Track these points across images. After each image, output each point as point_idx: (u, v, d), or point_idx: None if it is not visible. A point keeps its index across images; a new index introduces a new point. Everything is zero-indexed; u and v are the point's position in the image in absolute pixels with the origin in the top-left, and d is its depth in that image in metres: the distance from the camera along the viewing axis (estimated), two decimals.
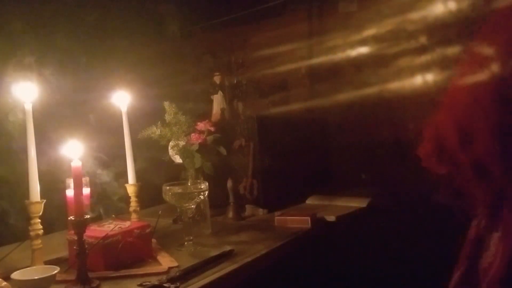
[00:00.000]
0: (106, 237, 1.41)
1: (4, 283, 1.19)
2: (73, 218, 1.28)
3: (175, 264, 1.44)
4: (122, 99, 1.75)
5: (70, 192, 1.50)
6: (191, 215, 1.67)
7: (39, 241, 1.37)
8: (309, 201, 2.29)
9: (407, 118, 2.46)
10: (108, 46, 2.46)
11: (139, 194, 1.73)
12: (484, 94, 1.09)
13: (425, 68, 2.31)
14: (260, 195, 2.15)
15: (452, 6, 2.17)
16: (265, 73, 2.68)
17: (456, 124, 1.14)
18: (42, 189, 1.37)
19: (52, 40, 2.21)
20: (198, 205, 1.75)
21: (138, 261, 1.47)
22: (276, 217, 1.93)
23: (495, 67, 1.10)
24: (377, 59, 2.45)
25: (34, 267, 1.33)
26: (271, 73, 2.71)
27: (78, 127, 1.77)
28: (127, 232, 1.48)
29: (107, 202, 1.95)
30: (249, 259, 1.50)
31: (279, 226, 1.89)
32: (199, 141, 1.85)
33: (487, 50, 1.15)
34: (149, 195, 1.89)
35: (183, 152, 1.85)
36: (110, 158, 1.90)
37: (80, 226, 1.27)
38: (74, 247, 1.27)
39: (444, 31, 2.23)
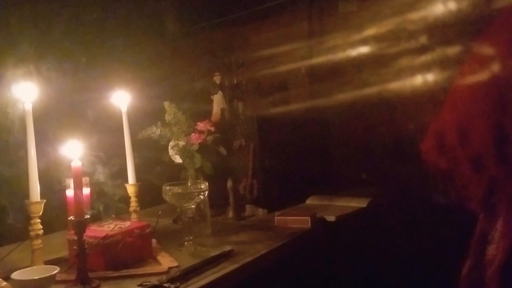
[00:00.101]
0: (106, 237, 1.41)
1: (4, 283, 1.19)
2: (73, 218, 1.28)
3: (175, 264, 1.44)
4: (122, 99, 1.75)
5: (70, 192, 1.50)
6: (191, 215, 1.67)
7: (39, 241, 1.37)
8: (309, 201, 2.29)
9: (407, 118, 2.46)
10: (108, 46, 2.46)
11: (139, 194, 1.73)
12: (482, 93, 1.11)
13: (425, 68, 2.31)
14: (260, 195, 2.15)
15: (452, 6, 2.18)
16: (265, 73, 2.68)
17: (456, 121, 1.17)
18: (41, 189, 1.37)
19: (52, 40, 2.21)
20: (198, 205, 1.75)
21: (138, 261, 1.47)
22: (276, 217, 1.93)
23: (494, 67, 1.11)
24: (377, 59, 2.45)
25: (34, 267, 1.33)
26: (271, 73, 2.72)
27: (77, 127, 1.76)
28: (127, 232, 1.48)
29: (106, 201, 1.95)
30: (249, 259, 1.50)
31: (279, 226, 1.89)
32: (199, 141, 1.85)
33: (488, 50, 1.16)
34: (149, 195, 1.89)
35: (183, 152, 1.85)
36: (110, 157, 1.90)
37: (80, 226, 1.27)
38: (74, 247, 1.27)
39: (444, 31, 2.23)
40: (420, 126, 2.42)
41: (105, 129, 1.98)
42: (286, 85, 2.81)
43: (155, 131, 1.80)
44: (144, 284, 1.26)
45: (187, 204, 1.64)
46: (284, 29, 2.82)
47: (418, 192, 2.35)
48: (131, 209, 1.73)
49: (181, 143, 1.84)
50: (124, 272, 1.38)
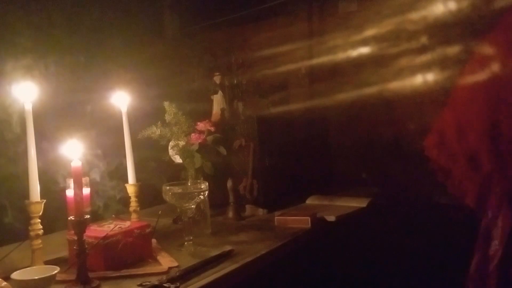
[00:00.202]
0: (106, 237, 1.41)
1: (4, 283, 1.19)
2: (73, 218, 1.28)
3: (175, 264, 1.44)
4: (122, 99, 1.75)
5: (70, 192, 1.50)
6: (191, 215, 1.67)
7: (39, 241, 1.37)
8: (309, 201, 2.29)
9: (407, 117, 2.46)
10: (108, 46, 2.46)
11: (139, 194, 1.73)
12: (478, 93, 1.14)
13: (425, 68, 2.31)
14: (260, 195, 2.15)
15: (452, 6, 2.18)
16: (265, 73, 2.68)
17: (454, 120, 1.21)
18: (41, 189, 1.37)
19: (52, 40, 2.21)
20: (198, 205, 1.75)
21: (138, 261, 1.47)
22: (276, 217, 1.93)
23: (491, 68, 1.13)
24: (377, 59, 2.45)
25: (34, 267, 1.33)
26: (271, 73, 2.71)
27: (77, 127, 1.76)
28: (127, 232, 1.48)
29: (106, 201, 1.95)
30: (249, 259, 1.50)
31: (279, 226, 1.89)
32: (199, 141, 1.85)
33: (487, 51, 1.18)
34: (149, 195, 1.89)
35: (183, 152, 1.85)
36: (109, 157, 1.90)
37: (80, 226, 1.27)
38: (74, 247, 1.27)
39: (444, 31, 2.23)
40: (420, 126, 2.43)
41: (105, 129, 1.98)
42: (286, 85, 2.81)
43: (155, 131, 1.80)
44: (144, 284, 1.26)
45: (187, 204, 1.64)
46: (284, 29, 2.82)
47: (418, 192, 2.35)
48: (131, 209, 1.73)
49: (181, 143, 1.84)
50: (124, 272, 1.38)
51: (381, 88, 2.41)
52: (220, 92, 2.26)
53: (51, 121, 1.88)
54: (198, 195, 1.64)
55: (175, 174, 1.95)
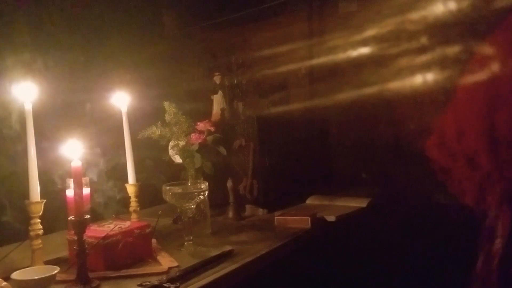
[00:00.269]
0: (106, 237, 1.41)
1: (4, 283, 1.19)
2: (73, 218, 1.28)
3: (175, 264, 1.44)
4: (122, 99, 1.75)
5: (70, 192, 1.50)
6: (191, 215, 1.67)
7: (39, 241, 1.37)
8: (309, 201, 2.29)
9: (407, 117, 2.46)
10: (108, 46, 2.46)
11: (139, 194, 1.73)
12: (476, 94, 1.17)
13: (425, 68, 2.31)
14: (260, 195, 2.15)
15: (452, 6, 2.18)
16: (265, 73, 2.68)
17: (454, 120, 1.23)
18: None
19: (52, 40, 2.21)
20: (198, 205, 1.75)
21: (138, 261, 1.47)
22: (276, 217, 1.93)
23: (490, 69, 1.15)
24: (377, 59, 2.45)
25: (34, 267, 1.33)
26: (271, 73, 2.71)
27: (77, 127, 1.76)
28: (127, 232, 1.48)
29: (106, 201, 1.95)
30: (249, 259, 1.50)
31: (279, 226, 1.89)
32: (199, 141, 1.85)
33: (488, 52, 1.20)
34: (149, 195, 1.89)
35: (183, 152, 1.85)
36: (109, 157, 1.90)
37: (80, 226, 1.27)
38: (74, 247, 1.27)
39: (444, 31, 2.23)
40: (420, 126, 2.43)
41: (105, 129, 1.98)
42: (286, 85, 2.81)
43: (155, 131, 1.80)
44: (144, 284, 1.26)
45: (187, 204, 1.64)
46: (284, 29, 2.82)
47: (418, 192, 2.35)
48: (131, 209, 1.73)
49: (181, 143, 1.84)
50: (124, 272, 1.38)
51: (381, 88, 2.41)
52: (220, 92, 2.26)
53: (51, 121, 1.88)
54: (198, 195, 1.64)
55: (175, 174, 1.95)
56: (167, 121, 1.83)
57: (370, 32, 2.47)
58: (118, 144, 1.75)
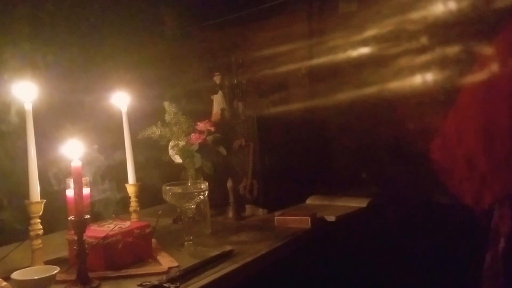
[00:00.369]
0: (106, 237, 1.41)
1: (4, 283, 1.19)
2: (73, 218, 1.28)
3: (175, 264, 1.44)
4: (122, 99, 1.75)
5: (70, 192, 1.50)
6: (191, 215, 1.67)
7: (39, 241, 1.37)
8: (309, 201, 2.29)
9: (407, 118, 2.46)
10: (108, 46, 2.46)
11: (139, 194, 1.73)
12: (476, 97, 1.20)
13: (425, 68, 2.31)
14: (260, 195, 2.15)
15: (452, 6, 2.18)
16: (265, 73, 2.68)
17: (455, 123, 1.28)
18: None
19: (51, 40, 2.21)
20: (198, 205, 1.75)
21: (138, 261, 1.47)
22: (276, 217, 1.93)
23: (490, 74, 1.19)
24: (377, 59, 2.45)
25: (34, 267, 1.33)
26: (271, 73, 2.71)
27: (77, 127, 1.76)
28: (127, 232, 1.48)
29: (105, 201, 1.95)
30: (249, 259, 1.50)
31: (279, 226, 1.89)
32: (199, 141, 1.85)
33: (490, 57, 1.24)
34: (149, 195, 1.89)
35: (183, 152, 1.85)
36: (109, 157, 1.90)
37: (80, 226, 1.27)
38: (74, 247, 1.27)
39: (444, 31, 2.23)
40: (420, 125, 2.43)
41: (105, 129, 1.98)
42: (286, 85, 2.81)
43: (155, 131, 1.80)
44: (144, 284, 1.26)
45: (187, 204, 1.64)
46: (284, 29, 2.82)
47: (418, 192, 2.35)
48: (131, 209, 1.73)
49: (181, 143, 1.84)
50: (124, 272, 1.38)
51: (381, 88, 2.41)
52: (220, 92, 2.26)
53: (51, 121, 1.88)
54: (198, 195, 1.64)
55: (175, 174, 1.95)
56: (167, 121, 1.83)
57: (370, 32, 2.47)
58: (118, 144, 1.75)
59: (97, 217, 1.82)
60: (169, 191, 1.63)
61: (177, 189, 1.64)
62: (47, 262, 1.39)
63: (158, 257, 1.52)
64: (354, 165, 2.64)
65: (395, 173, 2.45)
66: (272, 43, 2.78)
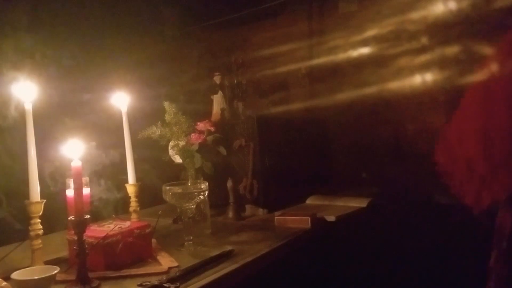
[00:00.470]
0: (106, 237, 1.41)
1: (4, 283, 1.19)
2: (73, 218, 1.28)
3: (175, 264, 1.44)
4: (122, 99, 1.75)
5: (70, 192, 1.50)
6: (191, 215, 1.67)
7: (39, 241, 1.37)
8: (309, 201, 2.29)
9: (407, 118, 2.46)
10: (108, 46, 2.46)
11: (139, 194, 1.73)
12: (473, 98, 1.26)
13: (425, 68, 2.31)
14: (260, 195, 2.15)
15: (453, 6, 2.18)
16: (265, 73, 2.68)
17: (456, 126, 1.30)
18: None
19: (52, 40, 2.21)
20: (198, 205, 1.75)
21: (138, 261, 1.47)
22: (276, 217, 1.93)
23: (489, 78, 1.22)
24: (377, 59, 2.46)
25: (34, 267, 1.33)
26: (271, 73, 2.72)
27: (77, 127, 1.77)
28: (127, 232, 1.48)
29: (105, 201, 1.95)
30: (249, 259, 1.50)
31: (279, 226, 1.89)
32: (199, 141, 1.85)
33: (492, 63, 1.27)
34: (149, 195, 1.89)
35: (183, 152, 1.85)
36: (109, 156, 1.90)
37: (80, 226, 1.27)
38: (74, 247, 1.27)
39: (444, 31, 2.23)
40: (419, 126, 2.43)
41: (105, 129, 1.98)
42: (286, 85, 2.81)
43: (155, 131, 1.80)
44: (144, 284, 1.26)
45: (187, 204, 1.64)
46: (284, 29, 2.82)
47: (418, 192, 2.35)
48: (131, 209, 1.73)
49: (181, 143, 1.84)
50: (124, 272, 1.38)
51: (381, 88, 2.41)
52: (220, 92, 2.26)
53: (51, 121, 1.88)
54: (198, 195, 1.64)
55: (175, 174, 1.95)
56: (167, 121, 1.83)
57: (370, 32, 2.47)
58: (118, 144, 1.75)
59: (96, 216, 1.83)
60: (169, 191, 1.63)
61: (177, 189, 1.64)
62: (47, 262, 1.38)
63: (158, 257, 1.52)
64: (354, 165, 2.64)
65: (395, 173, 2.45)
66: (272, 43, 2.78)
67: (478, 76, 1.24)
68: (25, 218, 1.38)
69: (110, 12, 2.53)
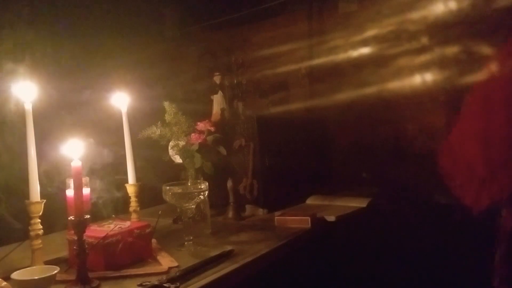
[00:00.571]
0: (106, 237, 1.41)
1: (4, 283, 1.19)
2: (73, 218, 1.28)
3: (175, 264, 1.44)
4: (122, 99, 1.75)
5: (70, 192, 1.50)
6: (191, 215, 1.67)
7: (39, 241, 1.37)
8: (309, 201, 2.29)
9: (406, 118, 2.46)
10: (108, 46, 2.46)
11: (139, 194, 1.73)
12: (472, 100, 1.24)
13: (425, 68, 2.31)
14: (260, 195, 2.15)
15: (453, 6, 2.18)
16: (265, 73, 2.68)
17: (457, 129, 1.32)
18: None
19: (52, 41, 2.21)
20: (198, 205, 1.75)
21: (138, 261, 1.47)
22: (276, 217, 1.93)
23: (489, 82, 1.24)
24: (377, 59, 2.46)
25: (34, 267, 1.32)
26: (271, 73, 2.72)
27: (77, 127, 1.76)
28: (127, 232, 1.48)
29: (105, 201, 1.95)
30: (249, 259, 1.50)
31: (279, 226, 1.89)
32: (199, 141, 1.85)
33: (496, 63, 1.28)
34: (149, 195, 1.89)
35: (183, 152, 1.85)
36: (109, 156, 1.90)
37: (80, 226, 1.27)
38: (74, 247, 1.27)
39: (444, 31, 2.23)
40: (419, 126, 2.43)
41: (104, 129, 1.98)
42: (286, 85, 2.81)
43: (155, 131, 1.80)
44: (144, 284, 1.26)
45: (187, 204, 1.64)
46: (284, 29, 2.82)
47: (418, 192, 2.35)
48: (131, 209, 1.73)
49: (181, 143, 1.84)
50: (124, 272, 1.38)
51: (381, 88, 2.41)
52: (220, 92, 2.26)
53: (51, 121, 1.88)
54: (198, 195, 1.64)
55: (175, 174, 1.95)
56: (167, 121, 1.83)
57: (370, 32, 2.47)
58: (118, 144, 1.75)
59: (96, 214, 1.82)
60: (169, 191, 1.63)
61: (177, 189, 1.64)
62: (47, 262, 1.38)
63: (158, 257, 1.52)
64: (354, 165, 2.64)
65: (395, 173, 2.45)
66: (272, 43, 2.78)
67: (479, 78, 1.26)
68: (25, 217, 1.38)
69: (110, 12, 2.53)
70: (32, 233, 1.36)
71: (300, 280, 1.75)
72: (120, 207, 1.82)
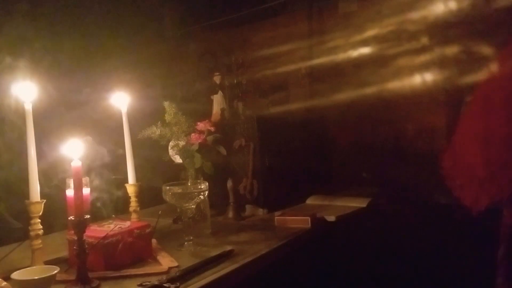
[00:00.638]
0: (106, 237, 1.41)
1: (4, 283, 1.19)
2: (73, 218, 1.28)
3: (175, 264, 1.44)
4: (121, 99, 1.75)
5: (70, 192, 1.50)
6: (191, 215, 1.67)
7: (39, 241, 1.37)
8: (309, 201, 2.29)
9: (407, 118, 2.46)
10: (108, 46, 2.46)
11: (139, 194, 1.73)
12: (472, 101, 1.29)
13: (425, 68, 2.31)
14: (260, 195, 2.15)
15: (453, 6, 2.18)
16: (265, 73, 2.68)
17: (458, 131, 1.33)
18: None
19: (52, 40, 2.21)
20: (198, 205, 1.75)
21: (138, 261, 1.47)
22: (276, 217, 1.93)
23: (489, 84, 1.25)
24: (377, 59, 2.45)
25: (34, 267, 1.33)
26: (271, 73, 2.72)
27: (77, 127, 1.76)
28: (127, 232, 1.48)
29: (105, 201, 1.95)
30: (249, 259, 1.50)
31: (279, 226, 1.89)
32: (199, 141, 1.85)
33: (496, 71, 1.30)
34: (149, 195, 1.89)
35: (183, 152, 1.85)
36: (108, 157, 1.90)
37: (80, 226, 1.27)
38: (74, 247, 1.27)
39: (444, 31, 2.23)
40: (419, 126, 2.43)
41: (104, 129, 1.98)
42: (286, 85, 2.81)
43: (155, 131, 1.80)
44: (144, 284, 1.26)
45: (187, 204, 1.64)
46: (284, 29, 2.82)
47: (418, 192, 2.35)
48: (131, 209, 1.73)
49: (181, 143, 1.84)
50: (124, 272, 1.38)
51: (381, 88, 2.41)
52: (220, 92, 2.26)
53: (51, 121, 1.88)
54: (198, 195, 1.64)
55: (175, 174, 1.95)
56: (167, 121, 1.83)
57: (370, 32, 2.47)
58: (118, 144, 1.75)
59: (96, 214, 1.82)
60: (169, 191, 1.63)
61: (177, 189, 1.64)
62: (47, 262, 1.38)
63: (158, 257, 1.52)
64: (354, 165, 2.64)
65: (395, 173, 2.45)
66: (272, 43, 2.78)
67: (479, 78, 1.27)
68: (25, 217, 1.38)
69: (110, 12, 2.53)
70: (32, 233, 1.36)
71: (300, 280, 1.75)
72: (120, 207, 1.82)
